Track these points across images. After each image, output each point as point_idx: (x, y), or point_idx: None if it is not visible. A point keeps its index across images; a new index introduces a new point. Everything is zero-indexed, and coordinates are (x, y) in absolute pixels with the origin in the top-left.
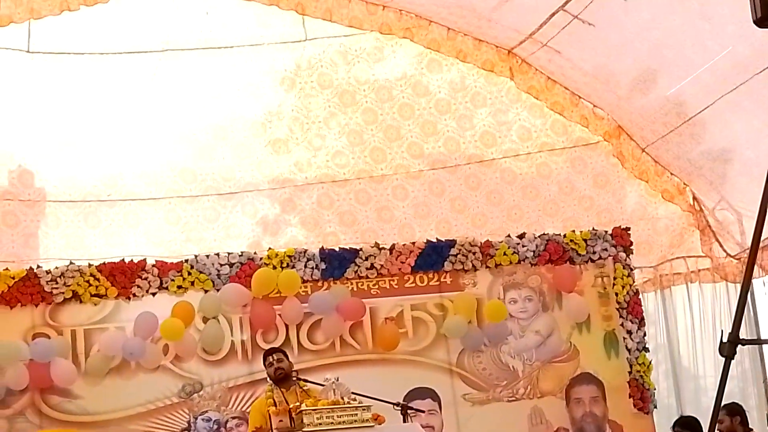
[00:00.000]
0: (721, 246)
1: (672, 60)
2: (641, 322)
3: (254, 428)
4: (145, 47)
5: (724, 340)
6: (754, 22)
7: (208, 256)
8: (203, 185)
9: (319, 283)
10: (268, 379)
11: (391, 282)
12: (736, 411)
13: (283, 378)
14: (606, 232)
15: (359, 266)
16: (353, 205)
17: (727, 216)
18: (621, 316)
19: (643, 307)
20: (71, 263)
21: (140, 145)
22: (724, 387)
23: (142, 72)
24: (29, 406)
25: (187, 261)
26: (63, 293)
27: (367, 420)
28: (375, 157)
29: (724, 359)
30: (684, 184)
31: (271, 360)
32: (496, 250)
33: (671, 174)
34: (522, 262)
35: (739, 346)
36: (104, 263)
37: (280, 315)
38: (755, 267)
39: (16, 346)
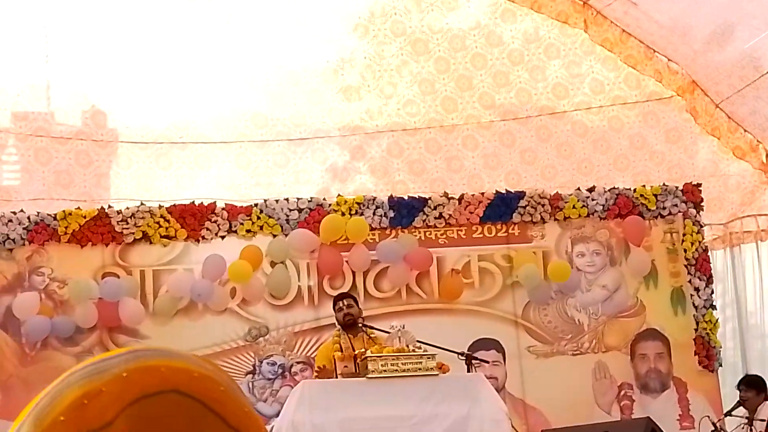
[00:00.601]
0: None
1: (750, 12)
2: (709, 280)
3: (318, 367)
4: None
5: None
6: None
7: (277, 201)
8: (274, 130)
9: (387, 231)
10: (336, 324)
11: (459, 232)
12: None
13: (351, 324)
14: (676, 187)
15: (428, 215)
16: (423, 154)
17: None
18: (689, 273)
19: (711, 265)
20: (142, 204)
21: (213, 89)
22: None
23: (217, 16)
24: (97, 344)
25: (256, 205)
26: (133, 233)
27: (431, 368)
28: (446, 106)
29: None
30: (757, 141)
31: (340, 305)
32: (566, 202)
33: (744, 131)
34: (591, 216)
35: None
36: (174, 205)
37: (347, 261)
38: None
39: (86, 285)
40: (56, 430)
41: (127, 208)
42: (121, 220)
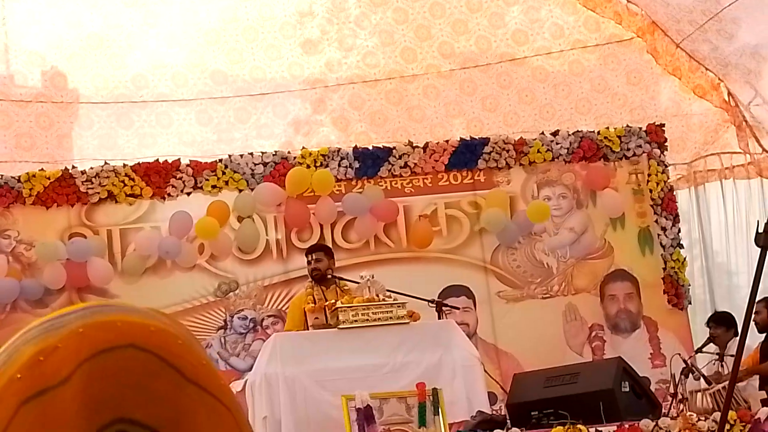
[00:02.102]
0: (757, 141)
1: None
2: (676, 219)
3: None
4: None
5: (760, 230)
6: None
7: (242, 156)
8: (234, 86)
9: (353, 182)
10: (309, 276)
11: (425, 180)
12: None
13: (318, 278)
14: (640, 128)
15: (393, 165)
16: (384, 105)
17: (763, 112)
18: (655, 213)
19: (677, 204)
20: (106, 164)
21: (171, 46)
22: (760, 278)
23: None
24: (66, 305)
25: (221, 161)
26: (98, 193)
27: (402, 317)
28: (406, 56)
29: (759, 251)
30: (718, 79)
31: (309, 259)
32: (530, 147)
33: (706, 69)
34: (556, 160)
35: None
36: (138, 163)
37: (314, 214)
38: None
39: (53, 246)
40: (13, 387)
41: (91, 168)
42: (86, 180)
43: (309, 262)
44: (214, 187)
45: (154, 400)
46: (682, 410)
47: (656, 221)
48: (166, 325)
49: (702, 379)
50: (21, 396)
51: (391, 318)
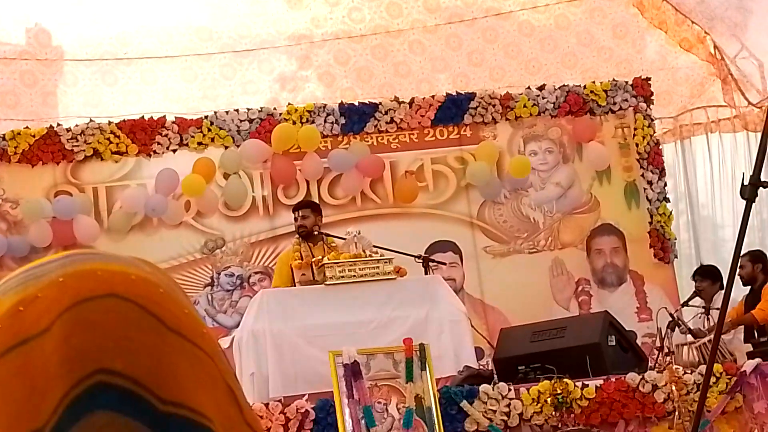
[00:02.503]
0: (743, 94)
1: None
2: (662, 173)
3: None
4: None
5: (746, 182)
6: None
7: (227, 113)
8: (219, 43)
9: (339, 138)
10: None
11: (411, 136)
12: (758, 258)
13: (304, 234)
14: (626, 82)
15: (379, 120)
16: (370, 60)
17: (749, 65)
18: (641, 167)
19: (663, 158)
20: (91, 121)
21: (155, 2)
22: (745, 231)
23: None
24: None
25: (206, 117)
26: (84, 151)
27: (388, 272)
28: (391, 11)
29: (744, 203)
30: (705, 32)
31: (296, 215)
32: (516, 102)
33: (692, 22)
34: (542, 114)
35: (760, 189)
36: (124, 120)
37: (300, 170)
38: None
39: (39, 204)
40: None
41: (77, 125)
42: (71, 138)
43: (296, 219)
44: (199, 144)
45: (135, 350)
46: (669, 363)
47: (642, 175)
48: (148, 273)
49: (688, 332)
50: (1, 347)
51: (377, 274)
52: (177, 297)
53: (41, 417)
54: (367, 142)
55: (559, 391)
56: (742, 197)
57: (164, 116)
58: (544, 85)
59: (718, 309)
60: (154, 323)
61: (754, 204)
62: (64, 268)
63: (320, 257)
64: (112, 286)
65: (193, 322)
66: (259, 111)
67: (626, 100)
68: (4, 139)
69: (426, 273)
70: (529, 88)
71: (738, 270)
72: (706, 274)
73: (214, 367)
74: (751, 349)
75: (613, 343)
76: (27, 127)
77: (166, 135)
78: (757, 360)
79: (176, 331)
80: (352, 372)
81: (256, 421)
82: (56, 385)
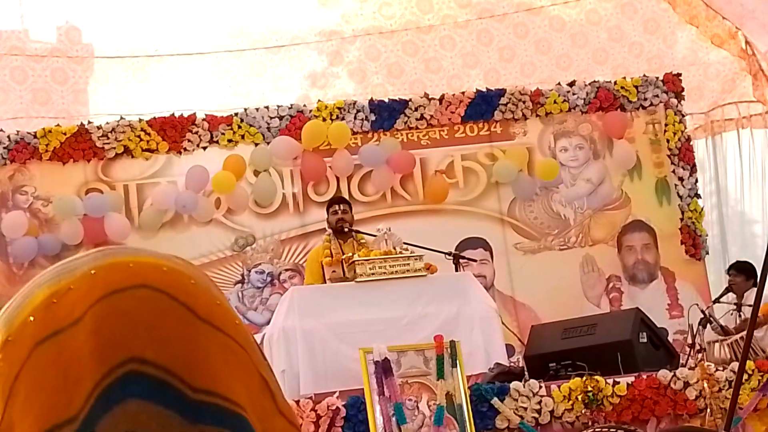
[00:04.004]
0: None
1: None
2: (693, 169)
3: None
4: None
5: None
6: None
7: (257, 110)
8: (250, 39)
9: (369, 135)
10: (327, 228)
11: (441, 132)
12: None
13: (341, 230)
14: (657, 78)
15: (409, 117)
16: (400, 56)
17: None
18: (672, 163)
19: (694, 154)
20: (122, 118)
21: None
22: None
23: None
24: None
25: (236, 114)
26: (114, 148)
27: (419, 269)
28: (422, 7)
29: None
30: (736, 28)
31: (336, 209)
32: (546, 98)
33: (723, 18)
34: (572, 110)
35: None
36: (154, 118)
37: (330, 167)
38: None
39: (71, 201)
40: (27, 329)
41: (107, 123)
42: (102, 135)
43: (335, 212)
44: (230, 141)
45: (167, 339)
46: (700, 360)
47: (673, 171)
48: (179, 265)
49: (720, 329)
50: (35, 338)
51: (408, 271)
52: (208, 288)
53: (75, 405)
54: (397, 138)
55: (590, 389)
56: None
57: (194, 113)
58: (575, 81)
59: (750, 306)
60: (185, 313)
61: None
62: (96, 261)
63: (351, 254)
64: (143, 277)
65: (225, 313)
66: (289, 108)
67: (657, 96)
68: (35, 136)
69: (456, 270)
70: (559, 84)
71: None
72: (741, 270)
73: (246, 357)
74: None
75: (645, 340)
76: (58, 125)
77: (196, 132)
78: None
79: (208, 321)
80: (383, 369)
81: (290, 410)
82: (89, 374)
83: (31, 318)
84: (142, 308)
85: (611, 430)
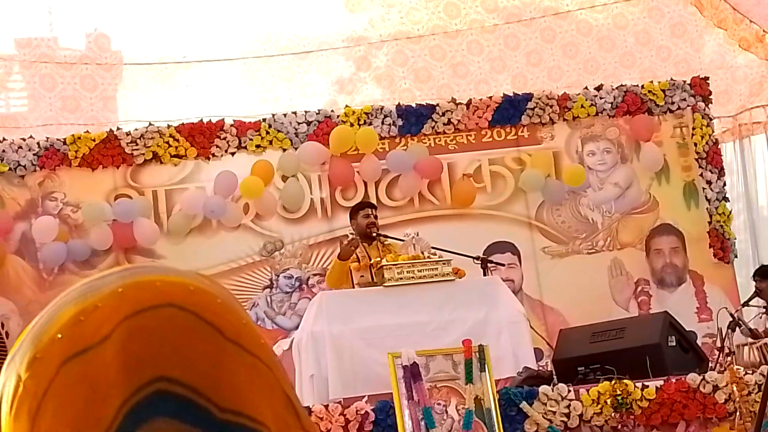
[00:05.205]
0: None
1: None
2: (721, 172)
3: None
4: None
5: None
6: None
7: (285, 115)
8: (278, 45)
9: (397, 140)
10: (352, 232)
11: (469, 137)
12: None
13: (370, 234)
14: (684, 82)
15: (436, 122)
16: (428, 61)
17: None
18: (700, 167)
19: (722, 157)
20: (150, 125)
21: (213, 6)
22: None
23: None
24: (113, 265)
25: (264, 120)
26: (143, 154)
27: (447, 274)
28: (449, 12)
29: None
30: (763, 31)
31: (368, 212)
32: (574, 102)
33: (750, 21)
34: (600, 114)
35: None
36: (183, 124)
37: (358, 172)
38: None
39: (100, 207)
40: (54, 347)
41: (136, 129)
42: (131, 142)
43: (367, 216)
44: (258, 146)
45: (193, 358)
46: (729, 364)
47: (701, 175)
48: (206, 285)
49: (749, 332)
50: (62, 355)
51: (436, 275)
52: (235, 308)
53: (102, 424)
54: (425, 143)
55: (619, 392)
56: None
57: (223, 119)
58: (602, 85)
59: None
60: (212, 333)
61: None
62: (124, 279)
63: (378, 259)
64: (170, 296)
65: (251, 333)
66: (317, 113)
67: (684, 100)
68: (65, 143)
69: (485, 274)
70: (586, 88)
71: None
72: (766, 275)
73: (272, 377)
74: None
75: (674, 344)
76: (87, 132)
77: (224, 138)
78: None
79: (234, 342)
80: (412, 373)
81: (314, 429)
82: (116, 393)
83: (59, 335)
84: (170, 327)
85: None
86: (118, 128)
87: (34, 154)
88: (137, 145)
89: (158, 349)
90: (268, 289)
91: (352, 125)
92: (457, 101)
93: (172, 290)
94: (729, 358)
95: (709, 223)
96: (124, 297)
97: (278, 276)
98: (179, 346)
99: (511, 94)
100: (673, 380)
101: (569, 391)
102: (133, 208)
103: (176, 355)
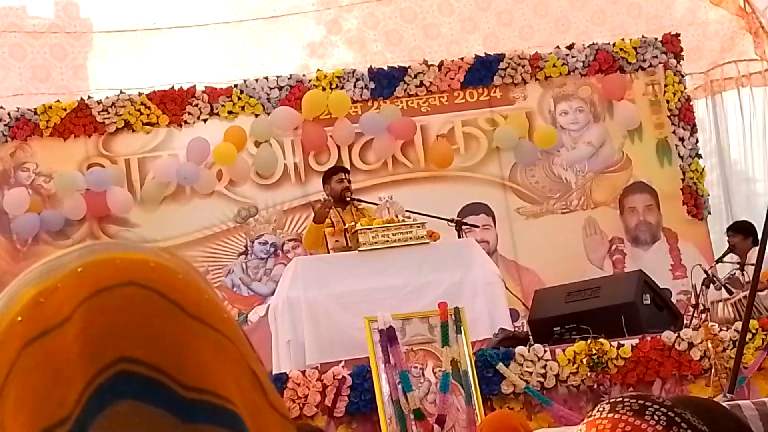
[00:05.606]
0: None
1: None
2: (693, 129)
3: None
4: None
5: None
6: None
7: (257, 80)
8: (247, 9)
9: (369, 103)
10: (325, 197)
11: (441, 99)
12: None
13: (344, 198)
14: (656, 39)
15: (408, 84)
16: (399, 23)
17: None
18: (673, 124)
19: (694, 114)
20: (121, 93)
21: None
22: None
23: None
24: (88, 235)
25: (236, 86)
26: (115, 123)
27: (422, 237)
28: None
29: None
30: None
31: (341, 176)
32: (545, 62)
33: None
34: (572, 73)
35: None
36: (154, 91)
37: (331, 136)
38: None
39: (72, 177)
40: (14, 330)
41: (107, 97)
42: (102, 110)
43: (341, 180)
44: (230, 112)
45: (156, 337)
46: (704, 320)
47: (674, 132)
48: (167, 260)
49: (723, 288)
50: (23, 338)
51: (411, 239)
52: (197, 283)
53: (66, 407)
54: (398, 106)
55: (594, 352)
56: None
57: (194, 86)
58: (574, 43)
59: (753, 265)
60: (174, 310)
61: None
62: (83, 258)
63: (353, 223)
64: (131, 274)
65: (214, 308)
66: (289, 78)
67: (656, 57)
68: (35, 113)
69: (459, 236)
70: (558, 47)
71: None
72: (739, 230)
73: (236, 352)
74: None
75: (648, 302)
76: (58, 101)
77: (196, 105)
78: None
79: (197, 318)
80: (388, 337)
81: (282, 404)
82: (79, 375)
83: (19, 318)
84: (131, 307)
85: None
86: (89, 97)
87: (4, 125)
88: (109, 113)
89: (120, 329)
90: (243, 256)
91: (324, 89)
92: (429, 63)
93: (132, 267)
94: (704, 315)
95: (683, 180)
96: (84, 276)
97: (253, 242)
98: (141, 326)
99: (483, 55)
100: (649, 338)
101: (545, 351)
102: (105, 176)
103: (138, 335)
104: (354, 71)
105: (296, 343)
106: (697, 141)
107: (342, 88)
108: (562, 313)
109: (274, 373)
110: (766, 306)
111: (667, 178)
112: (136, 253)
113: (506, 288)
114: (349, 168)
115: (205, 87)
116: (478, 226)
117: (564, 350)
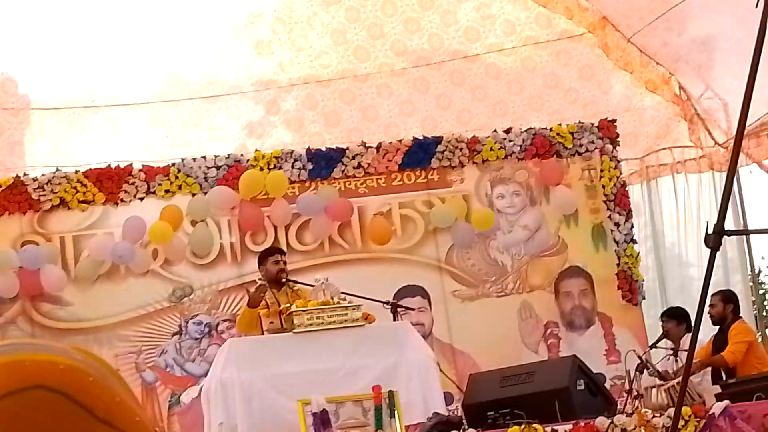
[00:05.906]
0: (709, 134)
1: None
2: (629, 214)
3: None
4: None
5: (710, 231)
6: None
7: (194, 160)
8: (186, 89)
9: (307, 184)
10: (260, 279)
11: (379, 180)
12: (730, 299)
13: (281, 280)
14: (592, 124)
15: (346, 165)
16: (338, 104)
17: (713, 104)
18: (608, 209)
19: (629, 199)
20: (57, 170)
21: (122, 50)
22: (710, 277)
23: None
24: (20, 313)
25: (173, 165)
26: (50, 200)
27: (357, 319)
28: (358, 55)
29: (709, 250)
30: (669, 73)
31: (277, 258)
32: (483, 145)
33: (657, 63)
34: (509, 157)
35: (725, 236)
36: (91, 169)
37: (268, 216)
38: (741, 155)
39: (6, 254)
40: None
41: (43, 174)
42: (38, 187)
43: (277, 262)
44: (167, 191)
45: None
46: (637, 407)
47: (609, 217)
48: (78, 362)
49: (656, 374)
50: None
51: (346, 321)
52: (108, 385)
53: None
54: (335, 187)
55: None
56: (707, 246)
57: (131, 164)
58: (511, 128)
59: (686, 350)
60: (82, 414)
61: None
62: None
63: (288, 305)
64: (39, 377)
65: (125, 411)
66: (227, 158)
67: (592, 142)
68: None
69: (395, 319)
70: (495, 131)
71: (708, 309)
72: (673, 316)
73: None
74: (720, 390)
75: (582, 387)
76: None
77: (133, 183)
78: (726, 402)
79: (106, 422)
80: (321, 420)
81: None
82: None
83: None
84: (39, 410)
85: None
86: (24, 174)
87: None
88: (44, 190)
89: None
90: (178, 336)
91: (261, 169)
92: (367, 144)
93: (42, 370)
94: (637, 401)
95: (618, 264)
96: None
97: (187, 322)
98: (48, 430)
99: (421, 137)
100: (582, 424)
101: None
102: (40, 254)
103: None
104: (292, 152)
105: (228, 426)
106: (632, 226)
107: (280, 168)
108: (496, 397)
109: None
110: (699, 392)
111: (603, 262)
112: (46, 355)
113: (441, 371)
114: (285, 249)
115: (143, 165)
116: (413, 309)
117: None
